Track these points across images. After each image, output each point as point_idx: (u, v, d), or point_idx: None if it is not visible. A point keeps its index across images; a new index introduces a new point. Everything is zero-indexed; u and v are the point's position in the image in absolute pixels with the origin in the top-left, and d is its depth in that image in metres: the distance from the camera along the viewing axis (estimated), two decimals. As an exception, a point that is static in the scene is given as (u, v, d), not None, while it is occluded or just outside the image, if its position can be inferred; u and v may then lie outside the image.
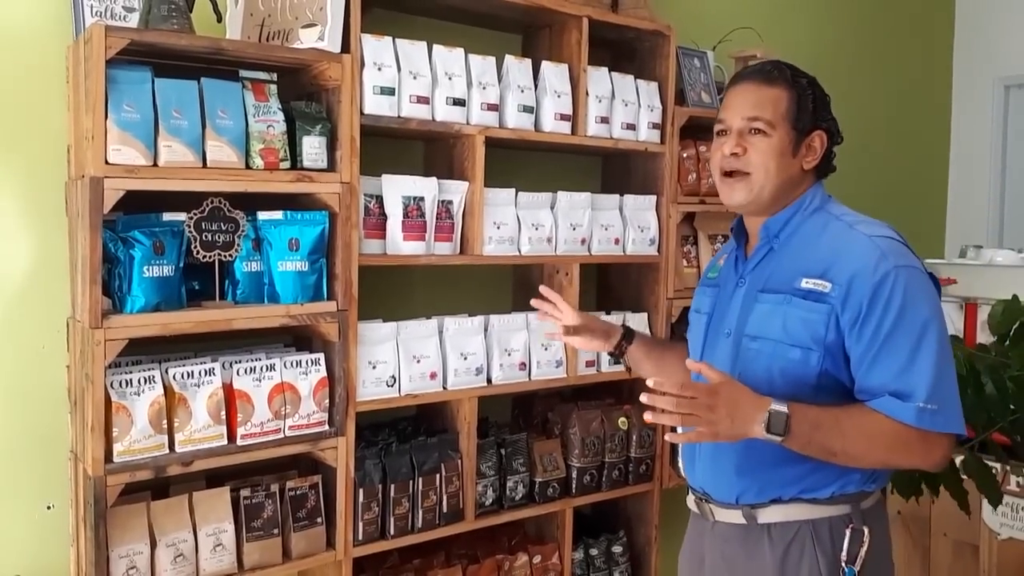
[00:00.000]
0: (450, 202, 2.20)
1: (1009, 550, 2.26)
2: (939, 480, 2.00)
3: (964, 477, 1.98)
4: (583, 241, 2.46)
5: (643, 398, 1.19)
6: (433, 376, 2.20)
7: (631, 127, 2.52)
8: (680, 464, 1.66)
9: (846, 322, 1.29)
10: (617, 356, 1.71)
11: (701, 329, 1.51)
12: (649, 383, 1.20)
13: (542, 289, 1.73)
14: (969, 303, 2.37)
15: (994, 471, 1.98)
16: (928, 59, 4.10)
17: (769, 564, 1.36)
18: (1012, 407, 1.85)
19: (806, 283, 1.33)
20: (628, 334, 1.70)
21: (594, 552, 2.63)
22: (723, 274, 1.53)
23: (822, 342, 1.30)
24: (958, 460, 2.00)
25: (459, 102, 2.19)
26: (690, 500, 1.55)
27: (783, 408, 1.22)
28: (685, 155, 2.65)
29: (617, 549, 2.67)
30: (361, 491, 2.05)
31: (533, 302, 1.74)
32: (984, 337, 2.14)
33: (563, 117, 2.38)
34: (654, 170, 2.65)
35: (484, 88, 2.23)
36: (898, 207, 3.88)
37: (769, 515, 1.37)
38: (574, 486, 2.49)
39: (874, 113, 3.76)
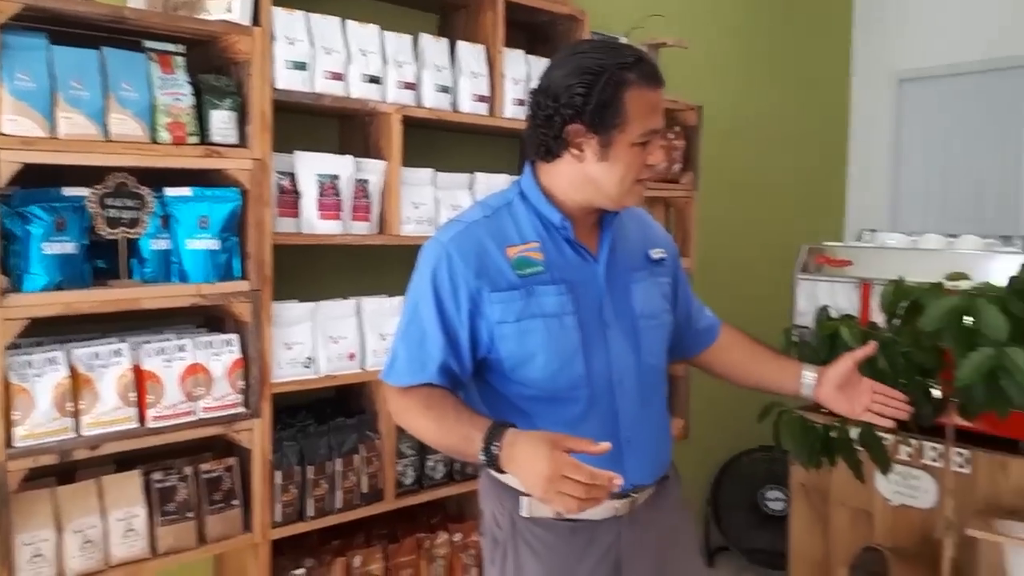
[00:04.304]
0: (367, 181, 2.18)
1: (901, 516, 2.41)
2: (836, 450, 2.11)
3: (860, 448, 2.10)
4: (501, 222, 2.47)
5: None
6: (352, 357, 2.19)
7: (548, 109, 2.55)
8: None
9: (674, 282, 1.52)
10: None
11: (574, 329, 1.33)
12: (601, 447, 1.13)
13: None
14: (865, 283, 2.49)
15: (886, 442, 2.10)
16: (828, 53, 4.29)
17: (677, 499, 1.52)
18: (903, 382, 1.96)
19: (654, 254, 1.46)
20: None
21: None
22: (562, 268, 1.36)
23: (672, 302, 1.49)
24: (854, 432, 2.12)
25: (375, 79, 2.17)
26: (597, 512, 1.33)
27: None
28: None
29: (536, 526, 2.71)
30: (279, 473, 2.03)
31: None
32: (878, 316, 2.26)
33: (480, 98, 2.39)
34: (570, 153, 2.68)
35: (400, 66, 2.22)
36: (801, 194, 4.07)
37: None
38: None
39: (777, 105, 3.91)
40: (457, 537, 2.44)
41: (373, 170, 2.20)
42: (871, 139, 4.32)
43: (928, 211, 4.12)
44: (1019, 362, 1.73)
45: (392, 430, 2.26)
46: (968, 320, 1.87)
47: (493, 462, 1.17)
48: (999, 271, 2.10)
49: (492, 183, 2.45)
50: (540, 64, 2.55)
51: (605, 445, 1.12)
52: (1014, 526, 2.08)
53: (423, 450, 2.35)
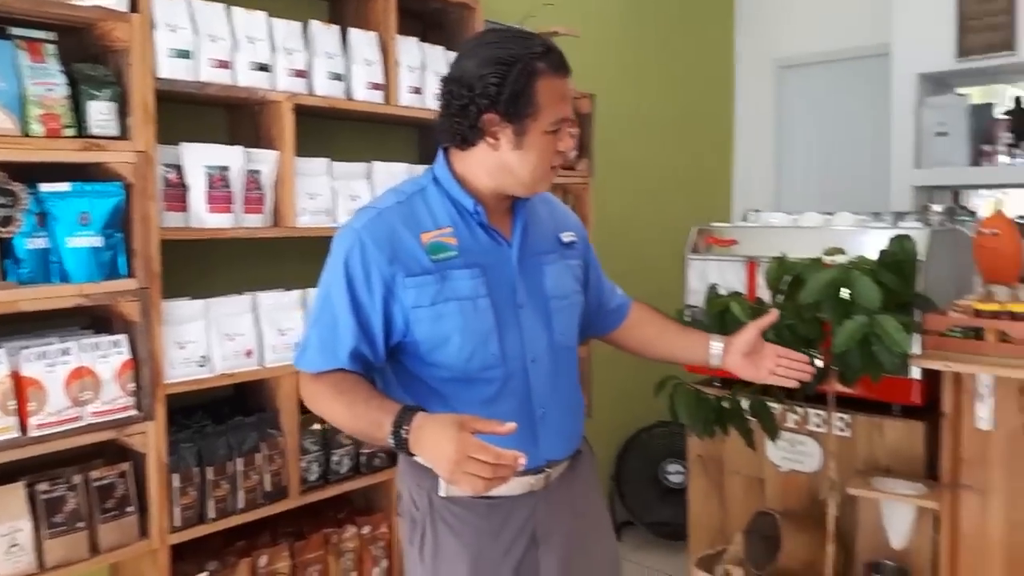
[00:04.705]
0: (259, 172, 2.13)
1: (790, 480, 2.56)
2: (728, 420, 2.21)
3: (750, 418, 2.21)
4: (400, 211, 2.46)
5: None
6: (249, 354, 2.14)
7: (443, 98, 2.55)
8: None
9: (585, 264, 1.56)
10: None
11: (488, 312, 1.36)
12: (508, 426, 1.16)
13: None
14: (751, 261, 2.61)
15: (774, 411, 2.22)
16: (712, 42, 4.45)
17: (591, 472, 1.57)
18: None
19: (564, 237, 1.51)
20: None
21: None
22: (475, 252, 1.38)
23: (583, 283, 1.54)
24: (744, 403, 2.23)
25: (263, 67, 2.11)
26: (508, 488, 1.34)
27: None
28: (497, 126, 2.72)
29: (445, 513, 2.73)
30: (176, 476, 1.96)
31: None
32: (764, 292, 2.37)
33: (375, 86, 2.36)
34: (467, 141, 2.69)
35: (290, 54, 2.17)
36: (690, 178, 4.22)
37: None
38: (400, 455, 2.50)
39: (666, 92, 4.03)
40: (365, 530, 2.43)
41: (265, 160, 2.14)
42: (755, 124, 4.52)
43: (808, 191, 4.35)
44: (888, 328, 1.86)
45: (295, 426, 2.22)
46: (845, 292, 2.00)
47: (402, 446, 1.19)
48: (871, 245, 2.24)
49: (390, 172, 2.43)
50: (435, 52, 2.54)
51: (511, 426, 1.15)
52: (889, 482, 2.24)
53: (328, 445, 2.32)
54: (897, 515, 2.25)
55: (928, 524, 2.23)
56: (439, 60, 2.55)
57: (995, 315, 2.09)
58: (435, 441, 1.14)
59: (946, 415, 2.15)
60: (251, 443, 2.13)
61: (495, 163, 1.35)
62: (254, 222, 2.13)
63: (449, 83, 1.35)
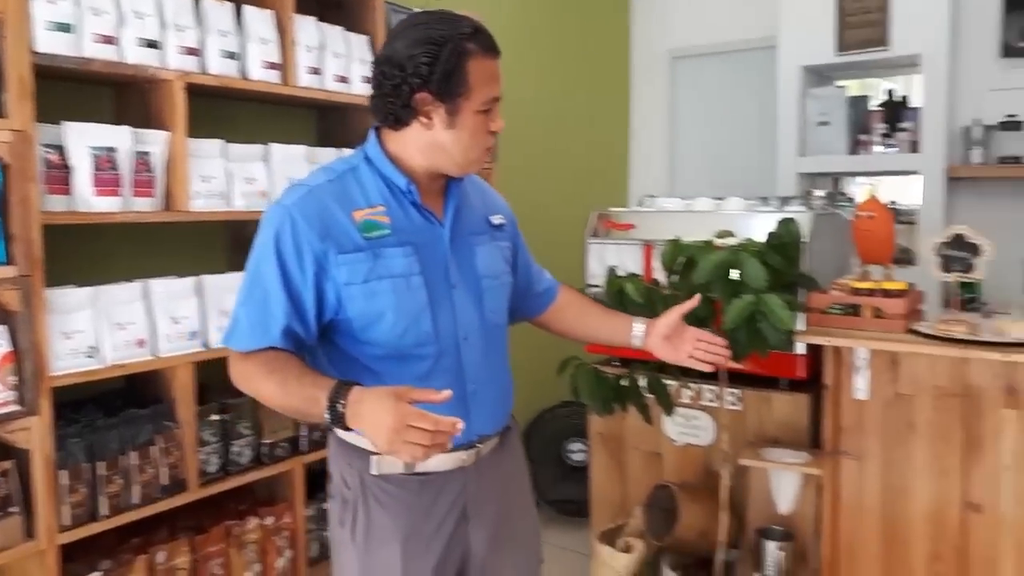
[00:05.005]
0: (148, 154, 2.04)
1: (686, 454, 2.67)
2: (627, 397, 2.29)
3: (648, 395, 2.30)
4: (300, 195, 2.41)
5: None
6: (141, 344, 2.05)
7: (343, 79, 2.51)
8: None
9: (514, 247, 1.59)
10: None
11: (420, 289, 1.37)
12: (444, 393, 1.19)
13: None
14: (647, 244, 2.70)
15: (670, 387, 2.32)
16: (608, 33, 4.55)
17: (517, 447, 1.60)
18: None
19: (494, 219, 1.54)
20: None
21: (327, 506, 2.64)
22: (408, 231, 1.39)
23: (513, 265, 1.57)
24: (643, 381, 2.31)
25: (152, 44, 2.02)
26: (439, 463, 1.40)
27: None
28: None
29: (351, 500, 2.71)
30: (64, 473, 1.87)
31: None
32: (660, 273, 2.46)
33: (272, 66, 2.30)
34: (370, 124, 2.66)
35: (181, 31, 2.08)
36: (590, 165, 4.31)
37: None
38: (304, 444, 2.47)
39: (566, 82, 4.09)
40: (268, 521, 2.38)
41: (155, 141, 2.06)
42: (650, 113, 4.65)
43: (700, 178, 4.52)
44: (774, 307, 1.97)
45: (192, 417, 2.15)
46: (734, 273, 2.10)
47: (339, 420, 1.20)
48: (759, 228, 2.36)
49: (288, 154, 2.38)
50: (334, 32, 2.50)
51: (447, 393, 1.18)
52: (777, 452, 2.38)
53: (227, 436, 2.27)
54: (784, 483, 2.39)
55: (812, 490, 2.38)
56: (338, 41, 2.51)
57: (870, 293, 2.25)
58: (374, 412, 1.16)
59: (827, 387, 2.30)
60: (145, 436, 2.05)
61: (428, 142, 1.37)
62: (144, 206, 2.05)
63: (381, 64, 1.36)
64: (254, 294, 1.34)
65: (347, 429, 1.21)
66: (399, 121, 1.36)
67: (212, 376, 2.44)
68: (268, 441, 2.37)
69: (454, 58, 1.31)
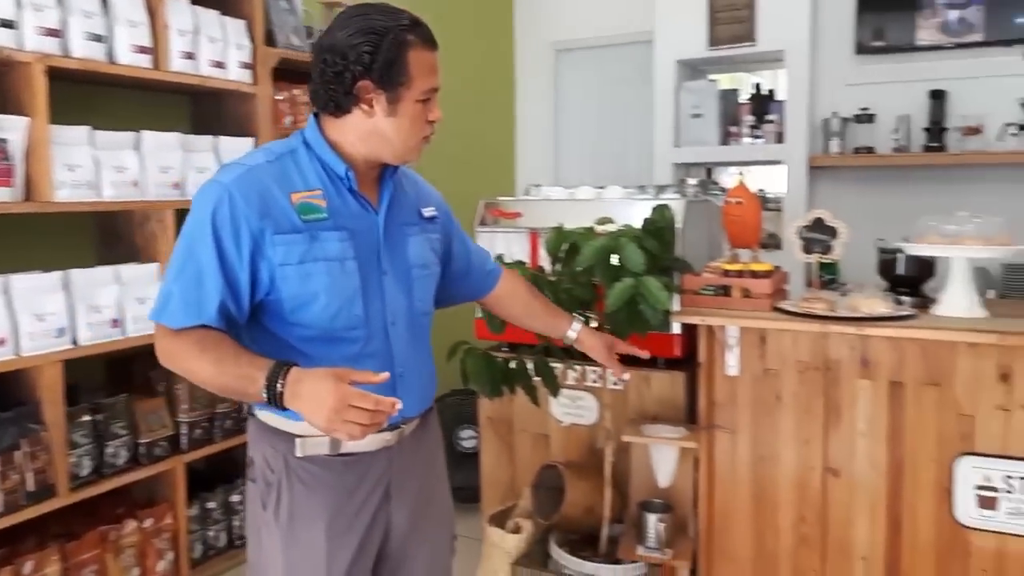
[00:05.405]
0: (6, 140, 1.92)
1: (572, 434, 2.75)
2: (515, 380, 2.34)
3: (535, 377, 2.36)
4: (176, 185, 2.33)
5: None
6: (2, 342, 1.94)
7: (219, 65, 2.44)
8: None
9: (446, 237, 1.63)
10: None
11: (354, 274, 1.39)
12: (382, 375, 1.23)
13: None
14: (533, 232, 2.75)
15: (556, 370, 2.38)
16: (494, 26, 4.60)
17: (436, 428, 1.66)
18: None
19: (426, 212, 1.58)
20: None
21: (211, 505, 2.58)
22: (344, 216, 1.41)
23: (443, 256, 1.62)
24: (530, 364, 2.37)
25: (7, 24, 1.90)
26: (371, 444, 1.43)
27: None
28: (280, 97, 2.65)
29: (236, 498, 2.65)
30: (-84, 482, 1.75)
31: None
32: (546, 260, 2.52)
33: (141, 50, 2.20)
34: (248, 112, 2.60)
35: (40, 10, 1.97)
36: (476, 155, 4.35)
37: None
38: (185, 442, 2.40)
39: (454, 74, 4.07)
40: (147, 523, 2.31)
41: (13, 128, 1.94)
42: (535, 104, 4.74)
43: (583, 167, 4.64)
44: (652, 289, 2.07)
45: (61, 418, 2.05)
46: (614, 258, 2.18)
47: (276, 400, 1.21)
48: (637, 215, 2.45)
49: (161, 142, 2.29)
50: (209, 16, 2.42)
51: (385, 375, 1.22)
52: (656, 428, 2.49)
53: (101, 437, 2.17)
54: (663, 457, 2.50)
55: (690, 463, 2.51)
56: (214, 25, 2.43)
57: (739, 274, 2.38)
58: (314, 392, 1.18)
59: (701, 364, 2.42)
60: (9, 440, 1.95)
61: (369, 129, 1.40)
62: (3, 196, 1.93)
63: (323, 51, 1.37)
64: (187, 270, 1.32)
65: (282, 409, 1.23)
66: (340, 108, 1.38)
67: (84, 375, 2.33)
68: (145, 440, 2.29)
69: (395, 48, 1.35)
